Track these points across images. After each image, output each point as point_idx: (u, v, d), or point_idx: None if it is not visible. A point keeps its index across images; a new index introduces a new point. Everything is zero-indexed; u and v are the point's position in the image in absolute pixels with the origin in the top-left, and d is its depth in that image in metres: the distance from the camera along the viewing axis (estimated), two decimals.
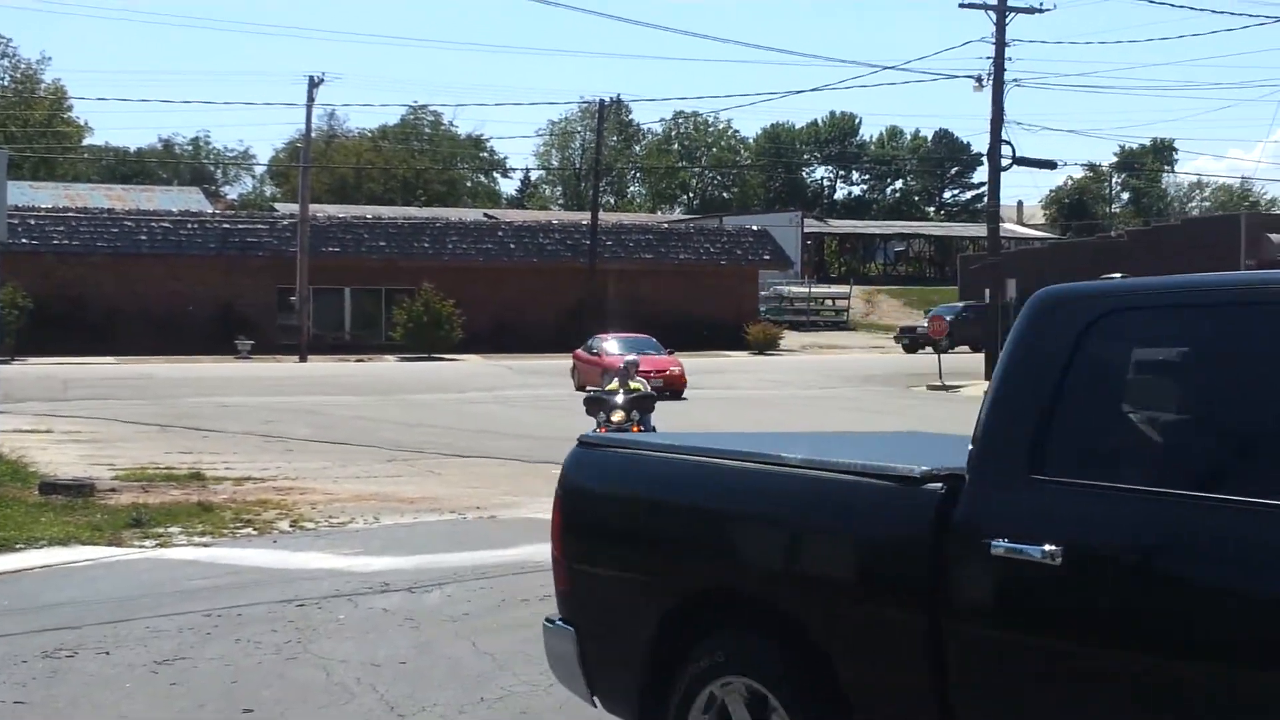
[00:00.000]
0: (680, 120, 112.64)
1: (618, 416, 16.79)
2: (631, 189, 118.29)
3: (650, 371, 30.59)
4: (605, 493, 5.78)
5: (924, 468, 4.41)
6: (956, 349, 42.34)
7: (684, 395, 30.92)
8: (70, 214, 50.70)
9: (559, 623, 5.94)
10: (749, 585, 4.97)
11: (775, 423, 26.29)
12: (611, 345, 34.05)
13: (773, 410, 28.67)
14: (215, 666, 8.34)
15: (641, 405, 17.19)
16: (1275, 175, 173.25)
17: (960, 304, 50.68)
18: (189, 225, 50.47)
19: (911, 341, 47.21)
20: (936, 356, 36.39)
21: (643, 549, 5.46)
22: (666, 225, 68.37)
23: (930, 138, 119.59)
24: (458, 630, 9.23)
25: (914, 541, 4.25)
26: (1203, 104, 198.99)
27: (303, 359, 44.02)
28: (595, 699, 5.83)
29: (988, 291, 39.17)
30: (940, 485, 4.32)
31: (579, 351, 34.84)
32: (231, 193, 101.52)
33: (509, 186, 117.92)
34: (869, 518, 4.51)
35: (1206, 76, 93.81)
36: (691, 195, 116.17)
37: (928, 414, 28.57)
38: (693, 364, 37.75)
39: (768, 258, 57.55)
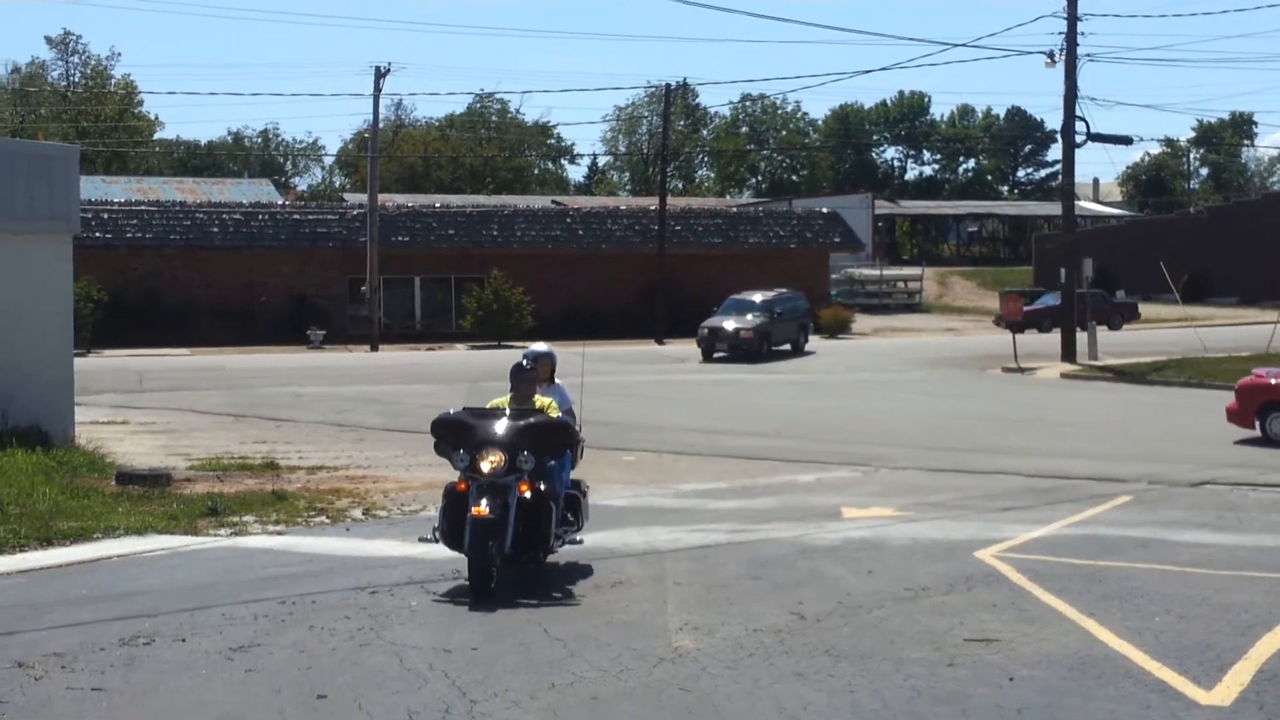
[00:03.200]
0: (748, 103, 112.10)
1: (490, 462, 9.91)
2: (700, 173, 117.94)
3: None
4: None
5: None
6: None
7: None
8: (143, 207, 51.24)
9: None
10: None
11: (849, 411, 26.09)
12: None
13: (847, 398, 28.43)
14: (290, 653, 8.35)
15: (544, 442, 10.20)
16: None
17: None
18: (260, 217, 50.86)
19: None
20: (1012, 338, 35.88)
21: None
22: (735, 209, 68.05)
23: (1002, 115, 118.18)
24: (528, 617, 9.20)
25: None
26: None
27: (374, 348, 44.27)
28: None
29: (1063, 271, 38.58)
30: None
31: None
32: (301, 184, 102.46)
33: (576, 173, 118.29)
34: None
35: None
36: (760, 178, 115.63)
37: (1004, 395, 28.23)
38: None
39: (838, 240, 57.11)
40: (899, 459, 17.98)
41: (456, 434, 10.16)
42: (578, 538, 10.83)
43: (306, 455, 18.15)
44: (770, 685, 7.63)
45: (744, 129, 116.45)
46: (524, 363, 10.84)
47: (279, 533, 12.67)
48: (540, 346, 11.48)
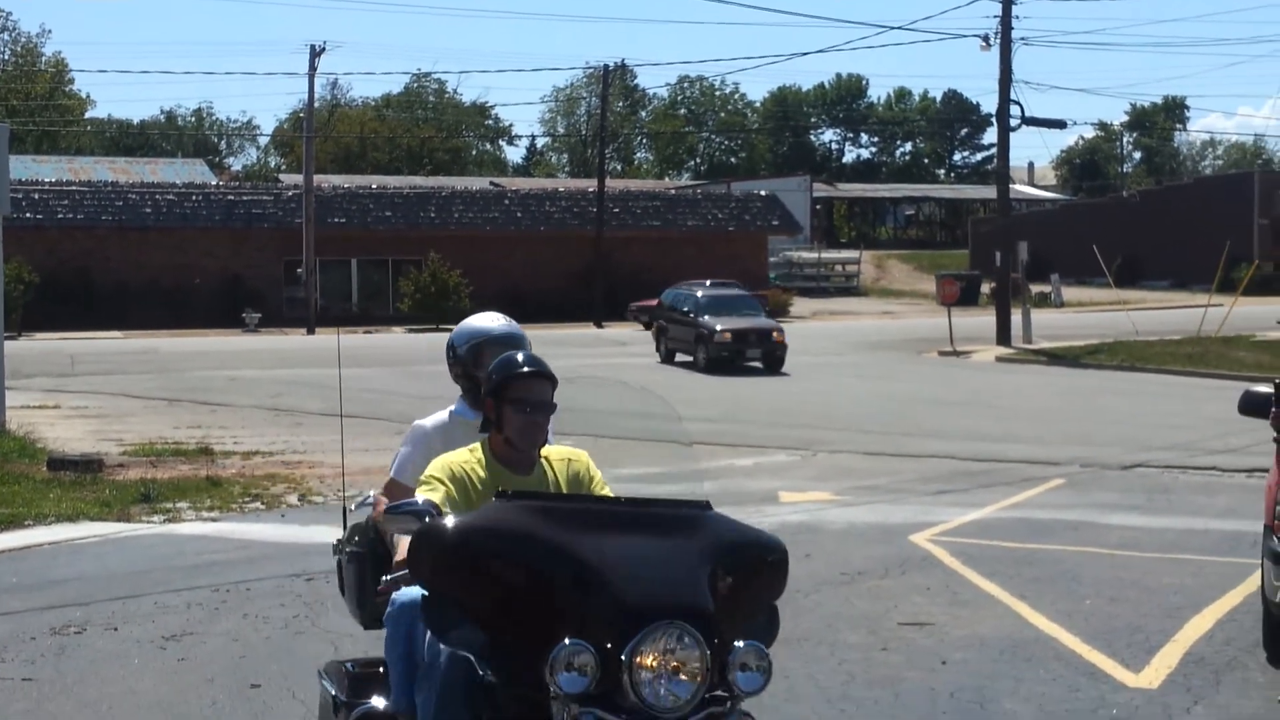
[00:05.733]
0: (686, 85, 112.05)
1: (681, 674, 3.77)
2: (639, 155, 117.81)
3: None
4: None
5: None
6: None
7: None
8: (74, 187, 50.54)
9: None
10: None
11: (789, 395, 26.25)
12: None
13: (787, 382, 28.56)
14: (223, 642, 8.30)
15: (760, 595, 4.21)
16: None
17: None
18: (194, 198, 50.29)
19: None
20: (948, 321, 36.18)
21: None
22: (674, 191, 68.06)
23: (939, 99, 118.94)
24: None
25: None
26: (1212, 60, 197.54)
27: (311, 331, 43.95)
28: None
29: (998, 254, 38.95)
30: None
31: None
32: (236, 164, 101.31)
33: (515, 154, 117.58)
34: None
35: (1215, 33, 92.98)
36: (699, 160, 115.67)
37: (940, 379, 28.47)
38: None
39: (776, 223, 57.27)
40: (837, 442, 18.09)
41: (538, 583, 3.98)
42: None
43: (242, 440, 17.99)
44: None
45: (682, 111, 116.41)
46: (518, 360, 4.81)
47: (213, 519, 12.57)
48: (497, 322, 5.69)
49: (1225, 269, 41.07)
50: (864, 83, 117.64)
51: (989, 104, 42.16)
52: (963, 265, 65.62)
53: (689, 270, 43.43)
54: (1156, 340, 33.27)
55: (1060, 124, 42.57)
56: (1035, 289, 48.51)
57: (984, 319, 39.11)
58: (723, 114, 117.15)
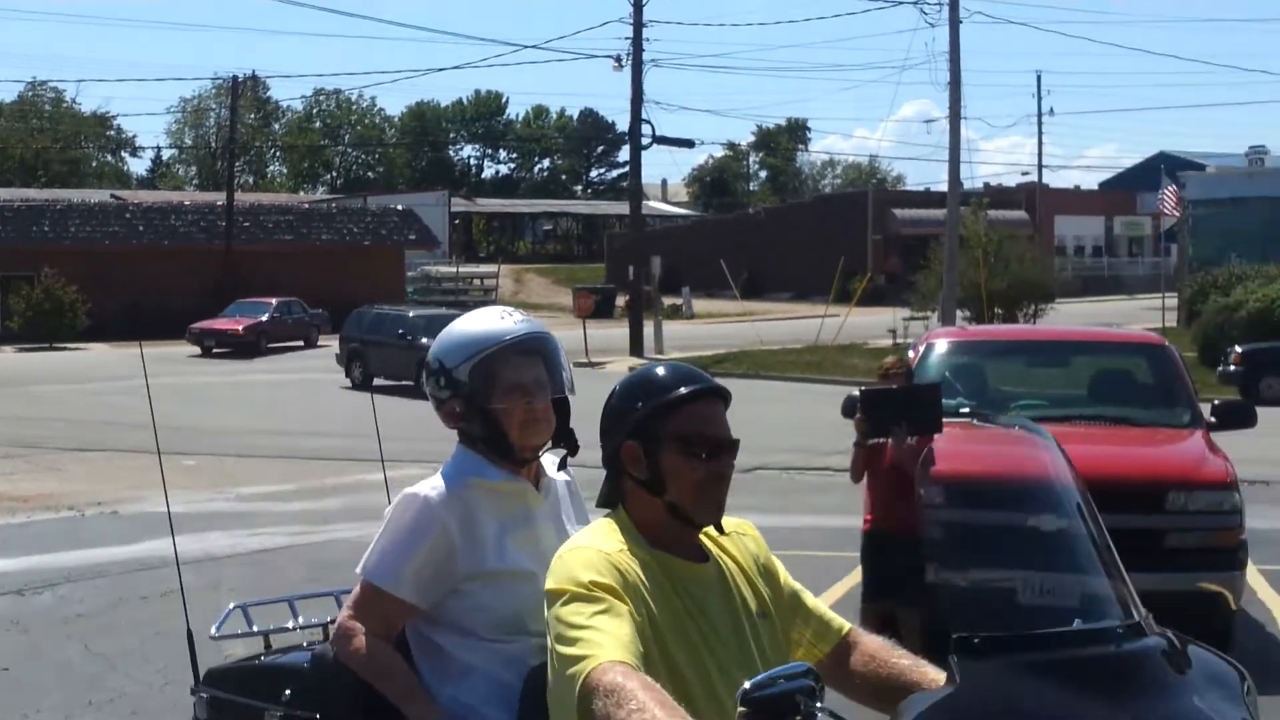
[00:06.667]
0: (322, 97, 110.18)
1: None
2: (272, 168, 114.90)
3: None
4: None
5: None
6: None
7: None
8: None
9: None
10: None
11: (419, 410, 26.04)
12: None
13: (414, 398, 28.30)
14: None
15: None
16: (898, 153, 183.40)
17: None
18: None
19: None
20: (583, 332, 36.78)
21: None
22: (308, 205, 66.66)
23: (576, 117, 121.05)
24: (69, 632, 8.67)
25: None
26: (830, 84, 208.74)
27: None
28: None
29: (631, 268, 39.88)
30: None
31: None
32: None
33: (139, 166, 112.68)
34: None
35: (834, 59, 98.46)
36: (336, 174, 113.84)
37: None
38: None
39: (414, 237, 56.89)
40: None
41: None
42: None
43: None
44: None
45: (318, 124, 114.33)
46: (677, 373, 3.04)
47: None
48: (512, 321, 3.50)
49: (842, 281, 43.27)
50: (503, 99, 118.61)
51: (623, 123, 43.17)
52: (599, 279, 66.87)
53: (323, 285, 42.67)
54: (779, 349, 34.77)
55: (689, 143, 44.21)
56: (668, 301, 49.94)
57: (619, 331, 39.95)
58: (359, 128, 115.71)
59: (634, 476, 2.89)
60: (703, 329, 48.76)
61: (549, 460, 3.48)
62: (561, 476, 3.51)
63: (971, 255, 36.85)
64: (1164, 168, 52.85)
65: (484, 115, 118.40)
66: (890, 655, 2.96)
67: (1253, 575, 10.05)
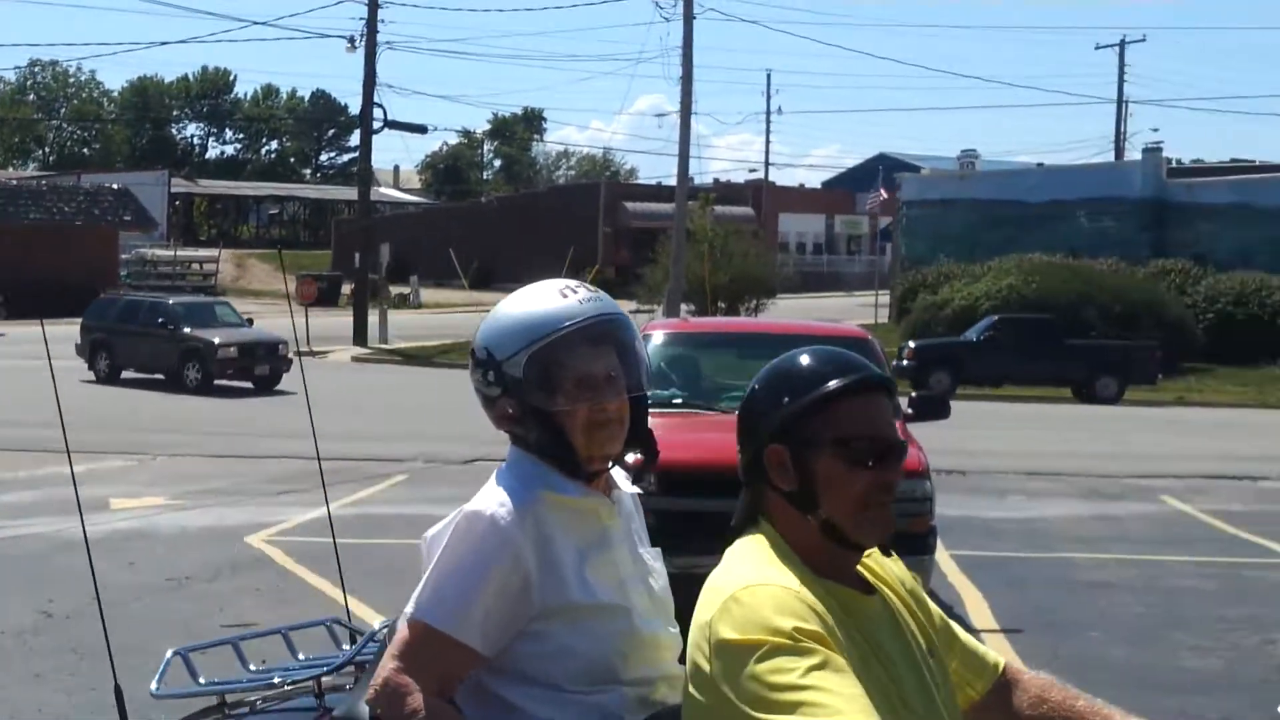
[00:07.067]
0: (37, 69, 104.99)
1: None
2: None
3: None
4: None
5: None
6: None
7: None
8: None
9: None
10: None
11: (127, 400, 25.17)
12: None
13: (109, 387, 27.31)
14: None
15: None
16: (632, 146, 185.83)
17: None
18: None
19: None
20: (305, 321, 36.03)
21: None
22: (16, 182, 63.47)
23: (307, 98, 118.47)
24: None
25: None
26: (567, 75, 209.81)
27: None
28: None
29: (358, 256, 39.30)
30: None
31: None
32: None
33: None
34: None
35: (570, 49, 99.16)
36: (49, 150, 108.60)
37: (293, 380, 28.25)
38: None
39: (129, 219, 54.69)
40: (180, 446, 17.53)
41: None
42: None
43: None
44: (3, 690, 7.14)
45: (31, 97, 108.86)
46: (838, 360, 2.42)
47: None
48: (579, 297, 2.78)
49: (571, 273, 43.61)
50: (231, 77, 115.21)
51: (356, 105, 42.47)
52: (326, 266, 65.68)
53: (32, 266, 40.61)
54: None
55: (422, 129, 43.65)
56: (396, 290, 49.44)
57: (344, 319, 39.32)
58: (76, 102, 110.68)
59: (780, 488, 2.38)
60: (431, 318, 48.38)
61: (618, 470, 2.82)
62: (631, 489, 2.86)
63: (698, 250, 37.66)
64: (882, 169, 55.16)
65: (210, 93, 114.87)
66: (1064, 696, 2.55)
67: (944, 559, 10.58)
